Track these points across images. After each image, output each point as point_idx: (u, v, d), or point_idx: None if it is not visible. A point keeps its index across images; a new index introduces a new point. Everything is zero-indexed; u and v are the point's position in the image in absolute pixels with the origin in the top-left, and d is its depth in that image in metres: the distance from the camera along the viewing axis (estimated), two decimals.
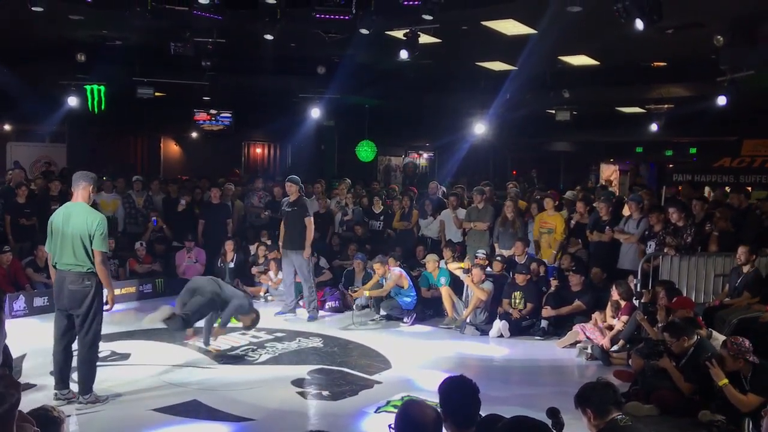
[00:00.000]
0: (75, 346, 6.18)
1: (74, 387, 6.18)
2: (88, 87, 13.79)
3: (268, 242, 11.74)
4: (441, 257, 10.55)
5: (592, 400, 3.73)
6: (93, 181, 6.24)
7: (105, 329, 8.46)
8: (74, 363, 6.19)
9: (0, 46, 11.98)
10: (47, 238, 6.15)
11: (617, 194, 16.18)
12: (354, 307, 10.47)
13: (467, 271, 9.70)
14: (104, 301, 6.19)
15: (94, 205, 6.41)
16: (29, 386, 6.34)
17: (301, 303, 10.22)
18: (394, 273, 9.93)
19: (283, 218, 10.17)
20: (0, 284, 9.27)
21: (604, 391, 3.78)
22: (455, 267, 9.96)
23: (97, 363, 6.22)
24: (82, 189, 6.12)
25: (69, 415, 5.63)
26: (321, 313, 10.35)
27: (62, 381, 6.13)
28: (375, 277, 10.07)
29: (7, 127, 19.18)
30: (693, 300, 8.16)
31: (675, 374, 6.11)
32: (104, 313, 6.19)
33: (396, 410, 3.19)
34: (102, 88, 13.95)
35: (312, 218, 10.01)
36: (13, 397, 1.73)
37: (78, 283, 5.98)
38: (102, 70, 12.91)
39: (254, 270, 11.59)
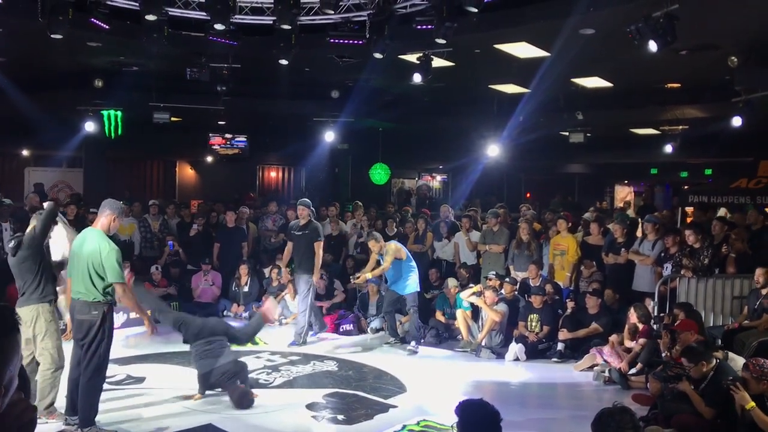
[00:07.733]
0: None
1: None
2: (105, 112, 13.99)
3: (282, 266, 11.72)
4: (457, 279, 10.52)
5: (610, 427, 3.67)
6: (118, 211, 6.14)
7: (121, 353, 8.61)
8: None
9: (19, 74, 12.17)
10: (68, 263, 6.13)
11: (633, 216, 16.04)
12: (368, 330, 10.44)
13: (480, 293, 9.64)
14: (149, 326, 6.58)
15: None
16: None
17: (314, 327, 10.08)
18: (391, 246, 9.53)
19: (292, 241, 9.94)
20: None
21: (621, 417, 3.71)
22: (468, 294, 9.76)
23: (101, 394, 6.03)
24: (104, 217, 6.03)
25: None
26: (335, 335, 10.33)
27: (72, 408, 6.03)
28: (373, 255, 9.66)
29: (25, 152, 19.47)
30: (703, 322, 8.02)
31: (695, 398, 6.01)
32: (114, 335, 6.13)
33: None
34: (119, 113, 14.15)
35: (322, 242, 9.79)
36: (31, 422, 1.73)
37: (85, 313, 5.86)
38: (119, 95, 13.10)
39: (264, 298, 10.30)
